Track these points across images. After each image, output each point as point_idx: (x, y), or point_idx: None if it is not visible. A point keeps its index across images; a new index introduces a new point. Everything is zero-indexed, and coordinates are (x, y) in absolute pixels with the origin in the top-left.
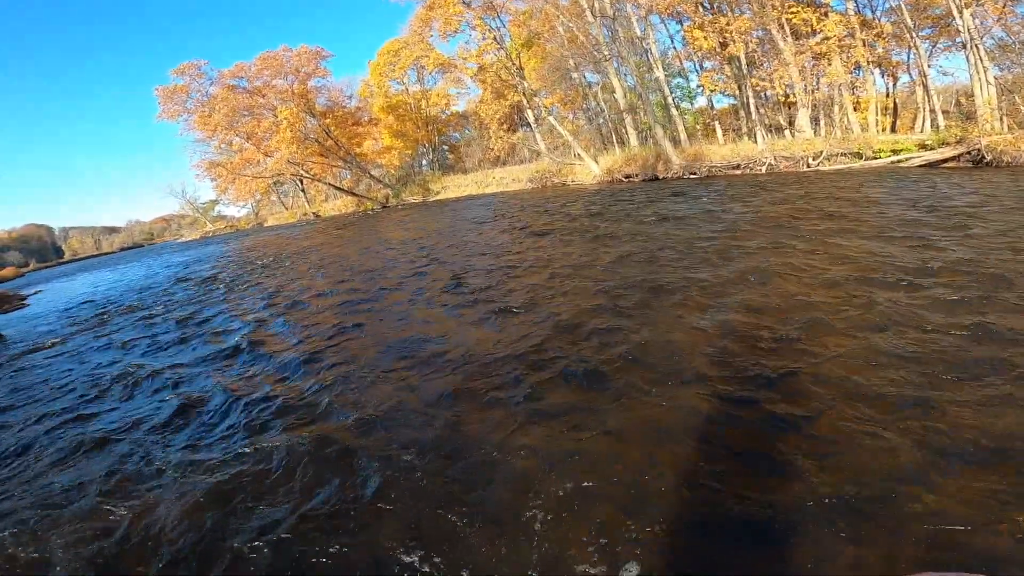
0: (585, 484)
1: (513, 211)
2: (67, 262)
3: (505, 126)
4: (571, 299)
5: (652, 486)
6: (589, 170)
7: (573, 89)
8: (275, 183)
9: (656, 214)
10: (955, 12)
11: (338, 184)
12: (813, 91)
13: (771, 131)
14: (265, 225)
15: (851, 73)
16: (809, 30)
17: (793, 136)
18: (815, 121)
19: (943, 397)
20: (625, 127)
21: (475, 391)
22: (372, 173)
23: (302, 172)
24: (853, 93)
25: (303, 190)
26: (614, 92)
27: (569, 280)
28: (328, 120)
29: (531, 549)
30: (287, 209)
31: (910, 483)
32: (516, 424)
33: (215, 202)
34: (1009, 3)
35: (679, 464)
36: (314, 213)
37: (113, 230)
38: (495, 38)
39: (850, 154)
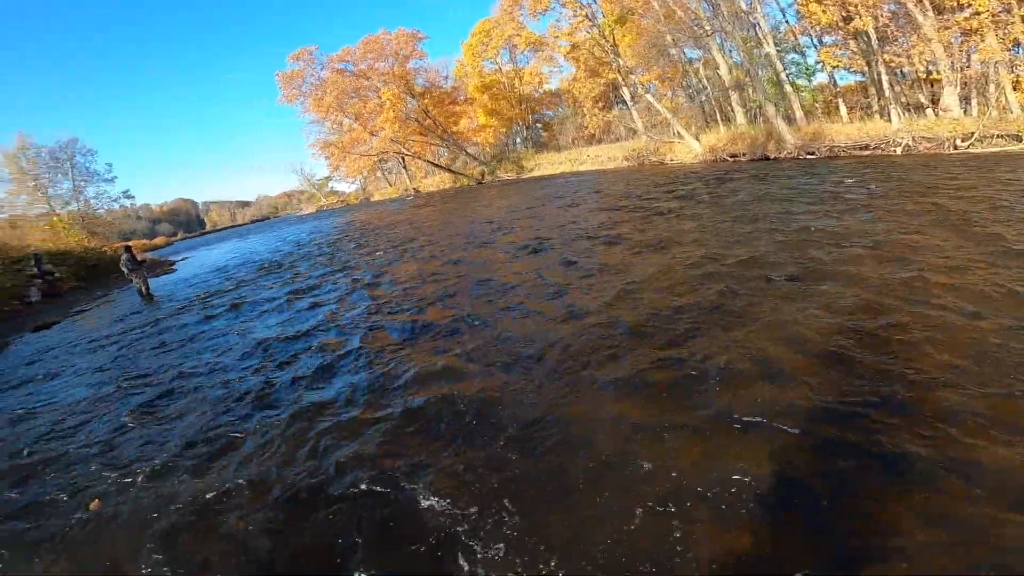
0: None
1: (609, 188)
2: (208, 232)
3: (600, 104)
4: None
5: None
6: (690, 148)
7: (672, 66)
8: (380, 161)
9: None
10: None
11: (436, 161)
12: (962, 68)
13: (909, 110)
14: (372, 200)
15: (1009, 50)
16: (954, 4)
17: (936, 115)
18: (965, 100)
19: None
20: (731, 104)
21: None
22: (468, 151)
23: (403, 150)
24: (1012, 71)
25: (405, 167)
26: (717, 68)
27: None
28: (426, 100)
29: None
30: (391, 185)
31: None
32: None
33: (328, 179)
34: None
35: None
36: (414, 189)
37: (245, 204)
38: (587, 15)
39: (1008, 136)
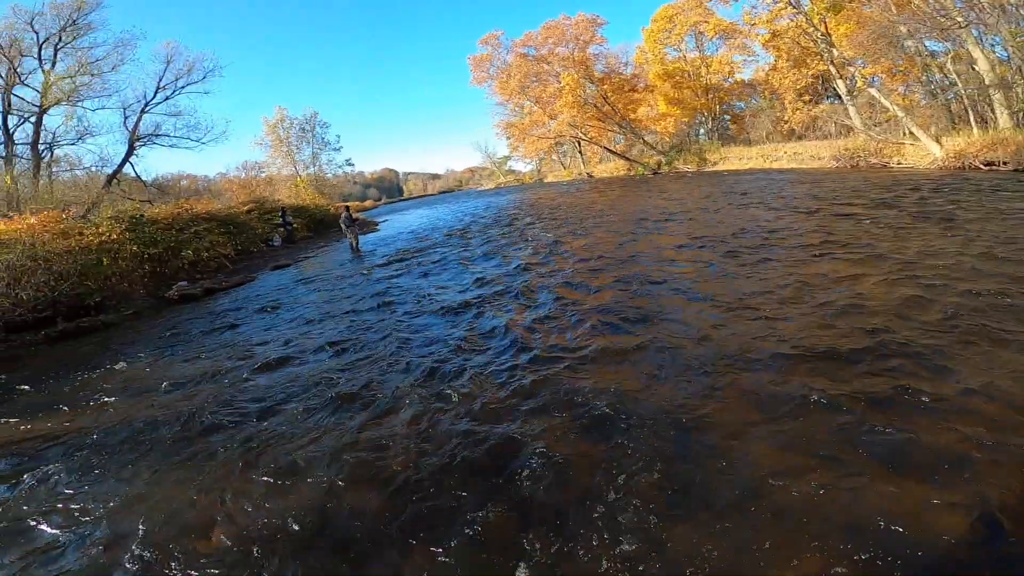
0: None
1: (814, 189)
2: (406, 199)
3: (804, 97)
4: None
5: None
6: (926, 151)
7: (906, 58)
8: (556, 144)
9: None
10: None
11: (612, 147)
12: None
13: None
14: (545, 181)
15: None
16: None
17: None
18: None
19: None
20: (990, 105)
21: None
22: (645, 139)
23: (580, 135)
24: None
25: (580, 151)
26: (973, 64)
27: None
28: (605, 86)
29: None
30: (564, 168)
31: None
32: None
33: (508, 158)
34: None
35: None
36: (588, 173)
37: (436, 176)
38: (790, 1)
39: None
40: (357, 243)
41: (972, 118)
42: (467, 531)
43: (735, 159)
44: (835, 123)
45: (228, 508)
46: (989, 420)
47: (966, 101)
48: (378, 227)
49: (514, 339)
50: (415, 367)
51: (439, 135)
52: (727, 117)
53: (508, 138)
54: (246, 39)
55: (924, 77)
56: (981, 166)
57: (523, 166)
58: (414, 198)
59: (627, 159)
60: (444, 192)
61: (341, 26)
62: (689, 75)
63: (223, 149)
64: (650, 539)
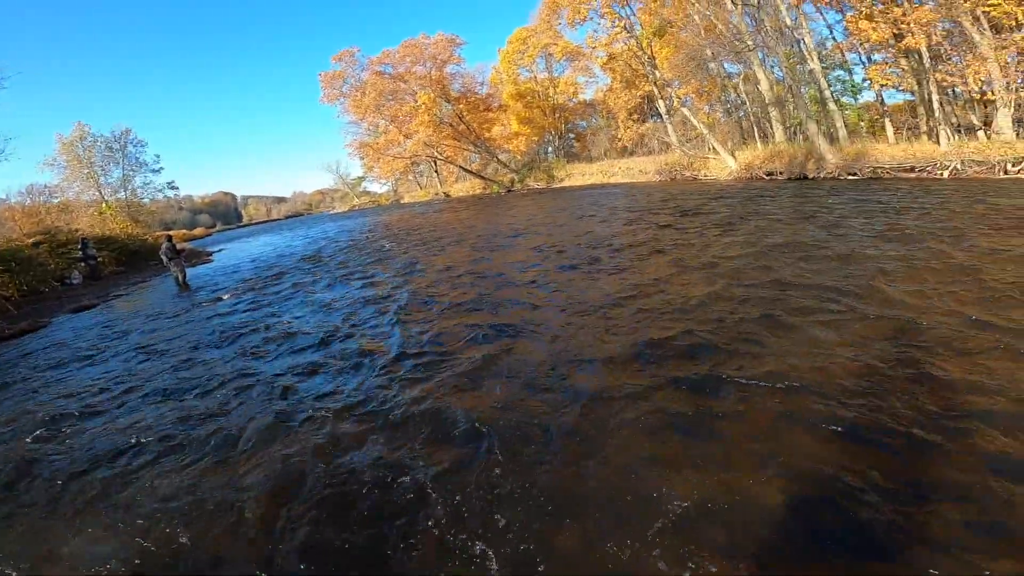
0: None
1: (636, 202)
2: (245, 225)
3: (634, 116)
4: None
5: None
6: (724, 165)
7: (710, 80)
8: (412, 164)
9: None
10: None
11: (467, 166)
12: (1018, 89)
13: (959, 131)
14: (402, 202)
15: None
16: (1013, 24)
17: (988, 138)
18: (1018, 122)
19: None
20: (769, 121)
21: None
22: (499, 157)
23: (436, 154)
24: None
25: (436, 171)
26: (758, 84)
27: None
28: (461, 105)
29: None
30: (421, 188)
31: None
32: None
33: (362, 179)
34: None
35: None
36: (445, 193)
37: (281, 199)
38: (624, 27)
39: None
40: (183, 277)
41: (756, 133)
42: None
43: (579, 175)
44: (658, 140)
45: None
46: (792, 394)
47: (752, 118)
48: (212, 257)
49: (368, 363)
50: (259, 413)
51: (285, 156)
52: (572, 135)
53: (362, 158)
54: (42, 46)
55: (723, 96)
56: (764, 176)
57: (379, 187)
58: (256, 224)
59: (482, 178)
60: (292, 216)
61: (168, 36)
62: (539, 95)
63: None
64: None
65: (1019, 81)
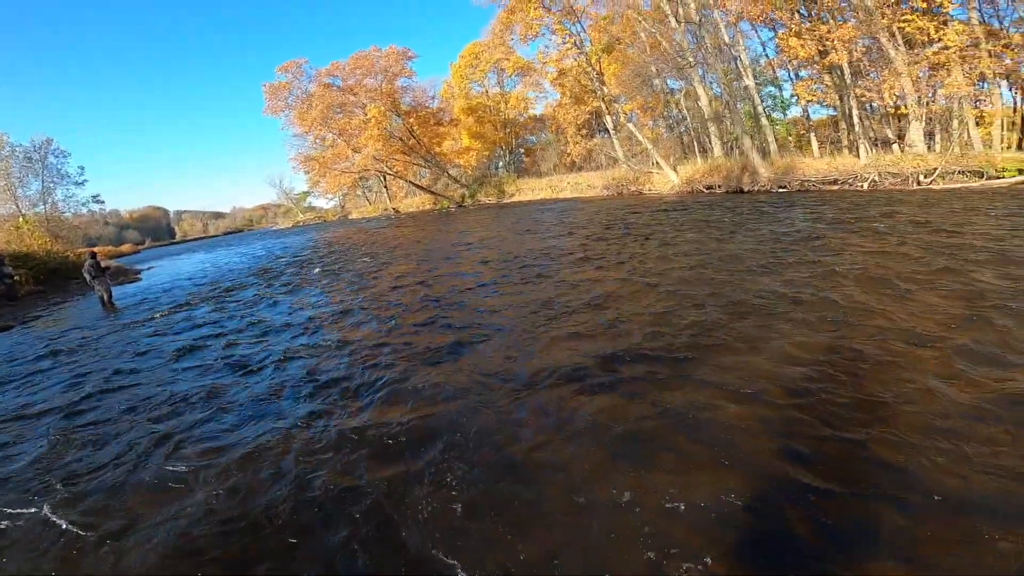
0: None
1: (583, 217)
2: (178, 242)
3: (583, 131)
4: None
5: None
6: (667, 179)
7: (654, 96)
8: (361, 178)
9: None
10: None
11: (418, 182)
12: (929, 103)
13: (876, 145)
14: (350, 217)
15: (974, 85)
16: (924, 39)
17: (902, 151)
18: (929, 136)
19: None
20: (708, 136)
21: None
22: (450, 172)
23: (385, 169)
24: (976, 106)
25: (386, 186)
26: (698, 100)
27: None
28: (412, 119)
29: None
30: (370, 204)
31: None
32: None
33: (307, 194)
34: None
35: None
36: (394, 209)
37: (219, 215)
38: (575, 43)
39: (969, 172)
40: (109, 296)
41: (697, 148)
42: None
43: (528, 190)
44: (605, 155)
45: None
46: (743, 400)
47: (693, 134)
48: (140, 276)
49: (313, 382)
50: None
51: (224, 169)
52: (522, 150)
53: (307, 172)
54: None
55: (666, 112)
56: (704, 189)
57: (325, 202)
58: (191, 240)
59: (433, 193)
60: (231, 233)
61: (95, 41)
62: (490, 110)
63: None
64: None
65: (930, 95)
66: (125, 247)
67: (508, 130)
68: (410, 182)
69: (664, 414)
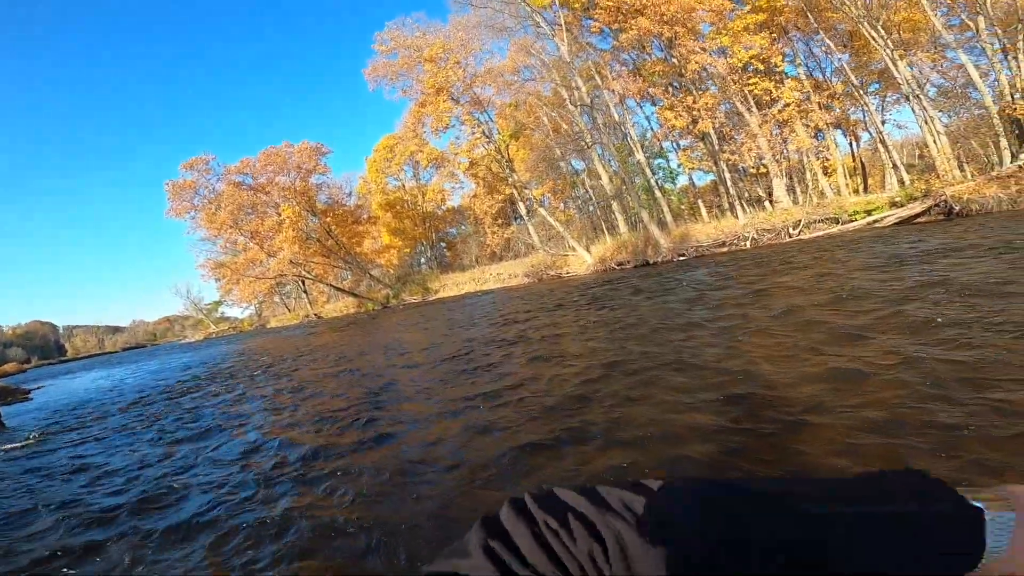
0: None
1: (508, 307)
2: (69, 360)
3: (499, 220)
4: None
5: None
6: (583, 260)
7: (562, 178)
8: (278, 284)
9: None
10: (891, 65)
11: (339, 285)
12: (783, 160)
13: (752, 203)
14: (268, 327)
15: (814, 137)
16: (769, 99)
17: (772, 207)
18: (791, 190)
19: None
20: (613, 213)
21: None
22: (372, 273)
23: (304, 272)
24: (819, 157)
25: (305, 291)
26: (600, 178)
27: None
28: (329, 218)
29: None
30: (289, 311)
31: None
32: None
33: (219, 303)
34: (940, 49)
35: None
36: (316, 315)
37: (117, 329)
38: (484, 131)
39: (827, 220)
40: None
41: (604, 226)
42: None
43: (452, 285)
44: (523, 242)
45: None
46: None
47: (599, 211)
48: (30, 395)
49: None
50: None
51: (120, 281)
52: (443, 244)
53: (218, 280)
54: None
55: (574, 193)
56: (616, 266)
57: (239, 311)
58: (84, 357)
59: (355, 295)
60: (131, 348)
61: None
62: (408, 204)
63: None
64: None
65: (782, 152)
66: (9, 366)
67: (428, 224)
68: (331, 285)
69: None
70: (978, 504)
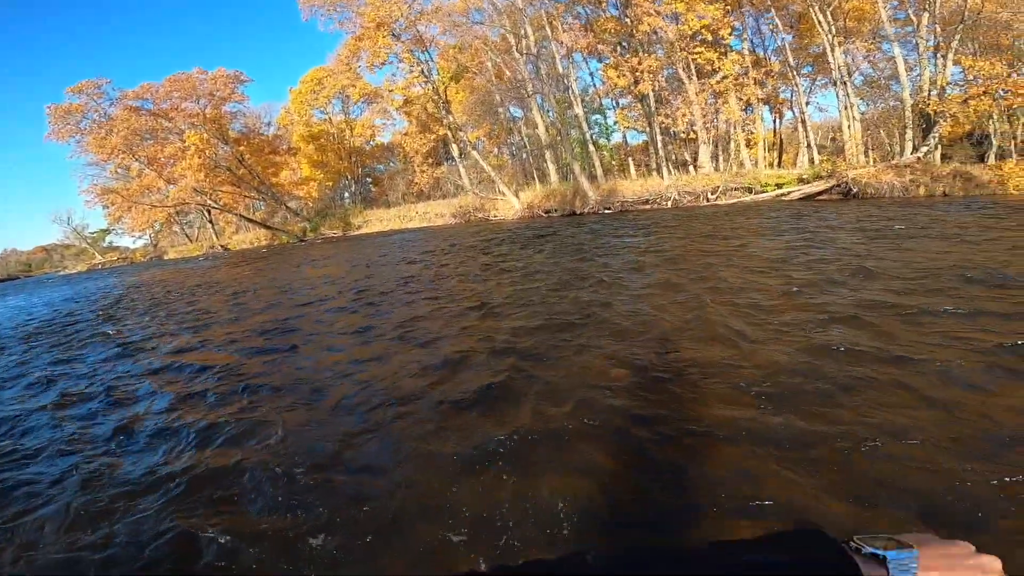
0: None
1: (430, 245)
2: None
3: (430, 160)
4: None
5: None
6: (511, 205)
7: (498, 124)
8: (178, 213)
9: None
10: (828, 50)
11: (250, 216)
12: (713, 128)
13: (678, 167)
14: (165, 258)
15: (744, 111)
16: (711, 69)
17: (696, 171)
18: (715, 157)
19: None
20: (546, 162)
21: None
22: (289, 205)
23: (209, 202)
24: (744, 130)
25: (211, 221)
26: (536, 127)
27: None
28: (242, 147)
29: None
30: (191, 241)
31: None
32: None
33: (106, 231)
34: (877, 40)
35: None
36: (222, 246)
37: None
38: (423, 71)
39: (742, 188)
40: None
41: (536, 174)
42: None
43: (376, 221)
44: (452, 183)
45: None
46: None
47: (532, 160)
48: None
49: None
50: None
51: None
52: (369, 180)
53: (106, 207)
54: None
55: (509, 140)
56: (543, 214)
57: (131, 241)
58: None
59: (269, 227)
60: (2, 280)
61: None
62: (334, 137)
63: None
64: None
65: (713, 121)
66: None
67: (354, 159)
68: (241, 216)
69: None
70: (875, 550)
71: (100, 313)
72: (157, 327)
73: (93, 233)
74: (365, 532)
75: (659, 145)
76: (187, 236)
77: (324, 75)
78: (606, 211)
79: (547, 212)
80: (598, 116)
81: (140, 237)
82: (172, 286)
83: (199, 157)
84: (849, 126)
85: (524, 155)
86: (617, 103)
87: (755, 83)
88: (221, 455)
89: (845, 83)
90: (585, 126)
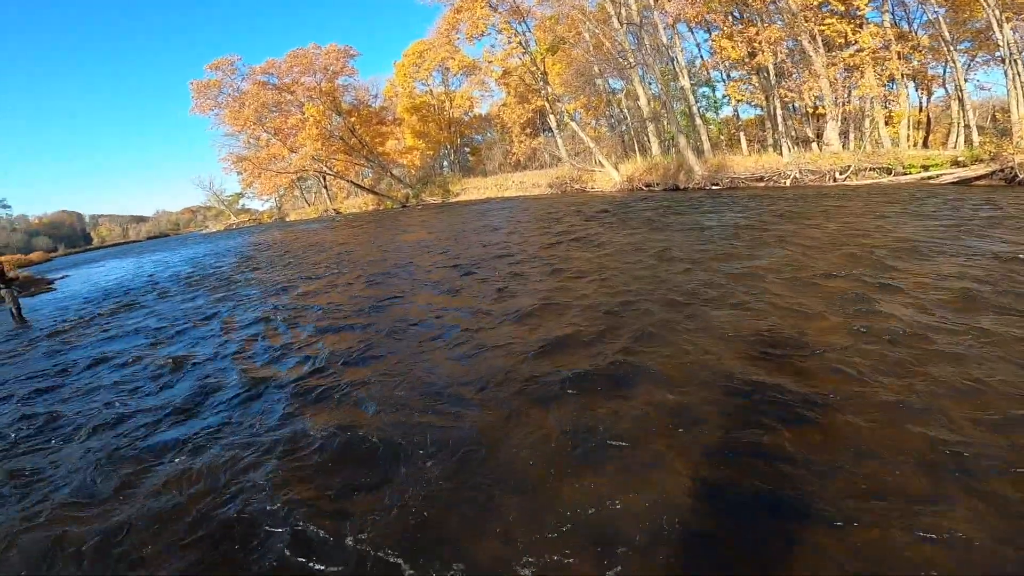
0: None
1: (534, 215)
2: (95, 248)
3: (527, 130)
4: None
5: None
6: (609, 177)
7: (597, 95)
8: (298, 179)
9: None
10: (995, 26)
11: (360, 182)
12: (844, 104)
13: (798, 143)
14: (287, 219)
15: (884, 86)
16: (843, 41)
17: (820, 149)
18: (844, 135)
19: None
20: (647, 135)
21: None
22: (393, 172)
23: (325, 169)
24: (885, 107)
25: (325, 187)
26: (638, 100)
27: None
28: (353, 118)
29: None
30: (309, 205)
31: None
32: None
33: (240, 195)
34: None
35: None
36: (335, 210)
37: (141, 219)
38: (520, 42)
39: (879, 169)
40: (18, 308)
41: (637, 147)
42: None
43: (474, 189)
44: (549, 153)
45: None
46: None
47: (633, 133)
48: (53, 285)
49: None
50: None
51: (147, 171)
52: (467, 150)
53: (240, 173)
54: None
55: (608, 112)
56: (644, 187)
57: (260, 204)
58: (110, 246)
59: (375, 193)
60: (155, 238)
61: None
62: (435, 109)
63: None
64: None
65: (845, 96)
66: (35, 255)
67: (453, 129)
68: (351, 182)
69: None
70: None
71: (242, 265)
72: (289, 276)
73: (229, 196)
74: (455, 451)
75: (779, 120)
76: (306, 200)
77: (425, 48)
78: (713, 187)
79: (647, 186)
80: (706, 88)
81: (267, 201)
82: (297, 244)
83: (316, 128)
84: (1018, 106)
85: (623, 128)
86: (728, 75)
87: (899, 57)
88: (350, 372)
89: (1016, 61)
90: (691, 98)
